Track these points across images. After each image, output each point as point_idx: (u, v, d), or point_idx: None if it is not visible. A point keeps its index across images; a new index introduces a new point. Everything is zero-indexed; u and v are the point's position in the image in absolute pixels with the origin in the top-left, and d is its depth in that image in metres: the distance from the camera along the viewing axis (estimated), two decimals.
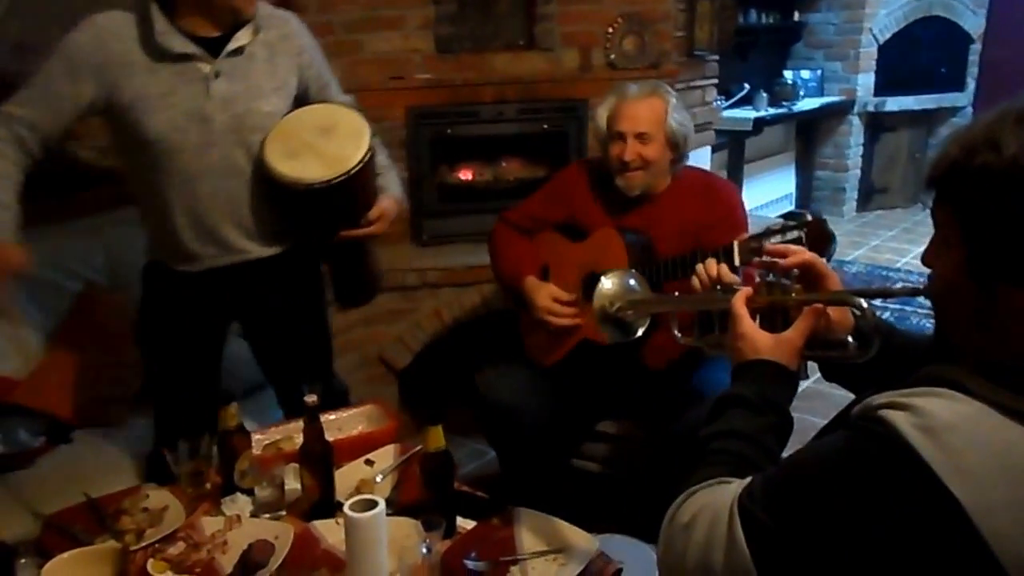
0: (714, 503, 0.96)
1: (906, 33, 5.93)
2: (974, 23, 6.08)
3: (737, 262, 1.84)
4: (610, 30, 3.23)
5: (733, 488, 0.96)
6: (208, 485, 1.85)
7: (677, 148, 2.25)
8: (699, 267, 1.84)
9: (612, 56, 3.25)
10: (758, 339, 1.15)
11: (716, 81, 3.74)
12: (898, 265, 5.12)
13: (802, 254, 1.25)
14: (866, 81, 5.91)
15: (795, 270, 1.23)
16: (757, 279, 1.25)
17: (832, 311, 1.22)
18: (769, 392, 1.10)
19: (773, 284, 1.23)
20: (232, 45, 1.89)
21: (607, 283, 1.71)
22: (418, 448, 1.94)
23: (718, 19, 3.41)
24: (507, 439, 2.37)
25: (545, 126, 3.25)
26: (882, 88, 5.97)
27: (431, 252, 3.25)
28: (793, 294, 1.22)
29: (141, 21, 1.84)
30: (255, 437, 1.94)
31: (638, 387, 2.34)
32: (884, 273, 4.96)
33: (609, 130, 2.28)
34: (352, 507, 1.50)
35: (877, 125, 6.16)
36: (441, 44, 3.18)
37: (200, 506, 1.79)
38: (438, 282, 3.12)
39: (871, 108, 5.97)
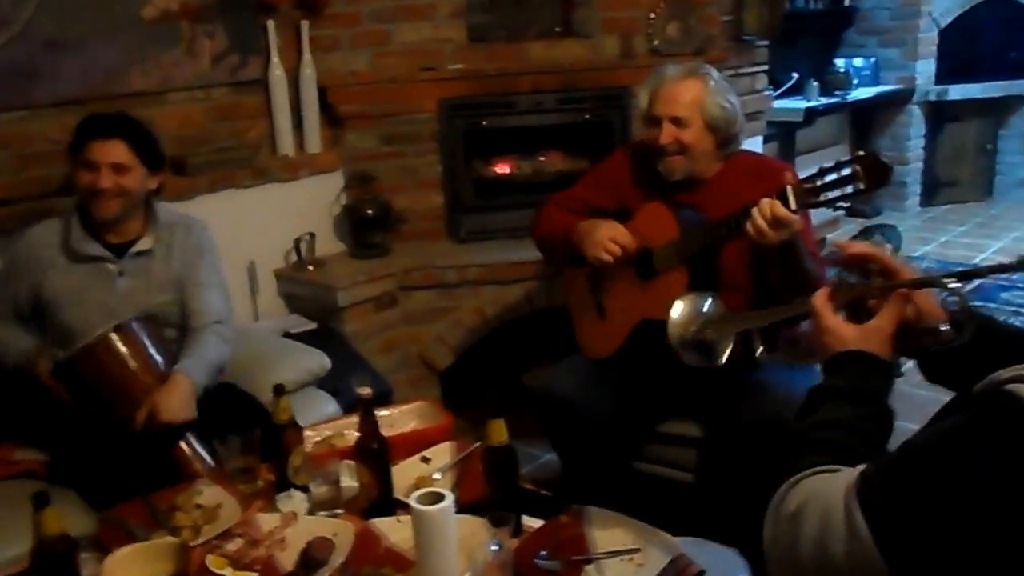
0: (823, 492, 0.96)
1: (969, 17, 5.92)
2: None
3: (793, 205, 1.90)
4: (652, 15, 3.29)
5: (843, 477, 0.97)
6: (260, 482, 1.94)
7: (718, 132, 2.28)
8: (753, 210, 1.92)
9: (655, 42, 3.30)
10: (844, 331, 1.18)
11: (766, 68, 3.81)
12: (974, 261, 5.07)
13: (861, 246, 1.30)
14: (926, 68, 5.93)
15: (872, 264, 1.27)
16: (834, 279, 1.29)
17: (920, 301, 1.23)
18: (861, 382, 1.12)
19: (852, 284, 1.27)
20: (134, 248, 2.34)
21: (678, 309, 1.81)
22: (477, 445, 1.98)
23: (768, 2, 3.49)
24: (569, 436, 2.39)
25: (587, 116, 3.32)
26: (944, 76, 5.96)
27: (470, 248, 3.33)
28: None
29: (64, 228, 2.33)
30: (305, 434, 2.02)
31: (701, 379, 2.32)
32: (959, 270, 4.94)
33: (648, 113, 2.33)
34: (419, 500, 1.53)
35: (940, 115, 6.16)
36: (473, 33, 3.27)
37: (254, 503, 1.87)
38: (479, 279, 3.19)
39: (932, 97, 5.96)
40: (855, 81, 5.66)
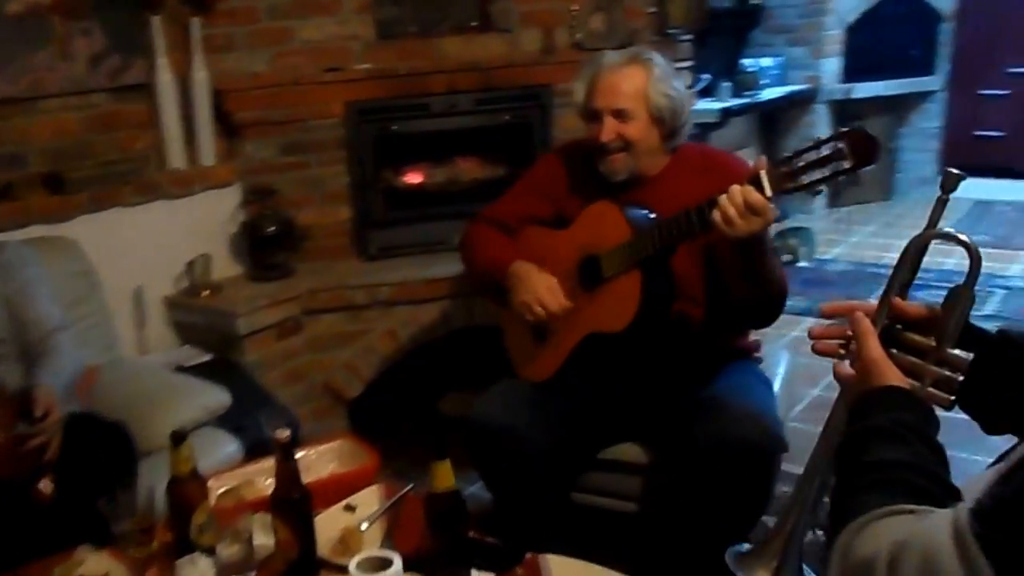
0: (917, 535, 0.89)
1: (874, 14, 6.00)
2: (945, 1, 6.19)
3: (768, 192, 1.73)
4: (575, 7, 3.17)
5: (938, 518, 0.90)
6: (156, 544, 1.74)
7: (664, 124, 2.13)
8: (721, 198, 1.76)
9: (578, 35, 3.19)
10: (887, 365, 1.11)
11: (691, 63, 3.75)
12: (885, 261, 5.13)
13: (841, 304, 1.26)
14: (832, 67, 5.97)
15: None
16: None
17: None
18: (910, 417, 1.04)
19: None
20: None
21: None
22: (409, 488, 1.87)
23: None
24: (505, 469, 2.20)
25: (506, 117, 3.17)
26: (850, 74, 6.02)
27: (381, 266, 3.14)
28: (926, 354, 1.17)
29: None
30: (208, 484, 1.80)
31: (649, 397, 2.23)
32: (872, 271, 5.03)
33: (586, 108, 2.18)
34: (362, 567, 1.39)
35: (845, 113, 6.24)
36: (383, 29, 3.08)
37: (149, 571, 1.68)
38: (391, 299, 3.01)
39: (838, 96, 6.02)
40: (764, 81, 5.67)
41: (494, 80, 3.16)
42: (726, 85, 5.32)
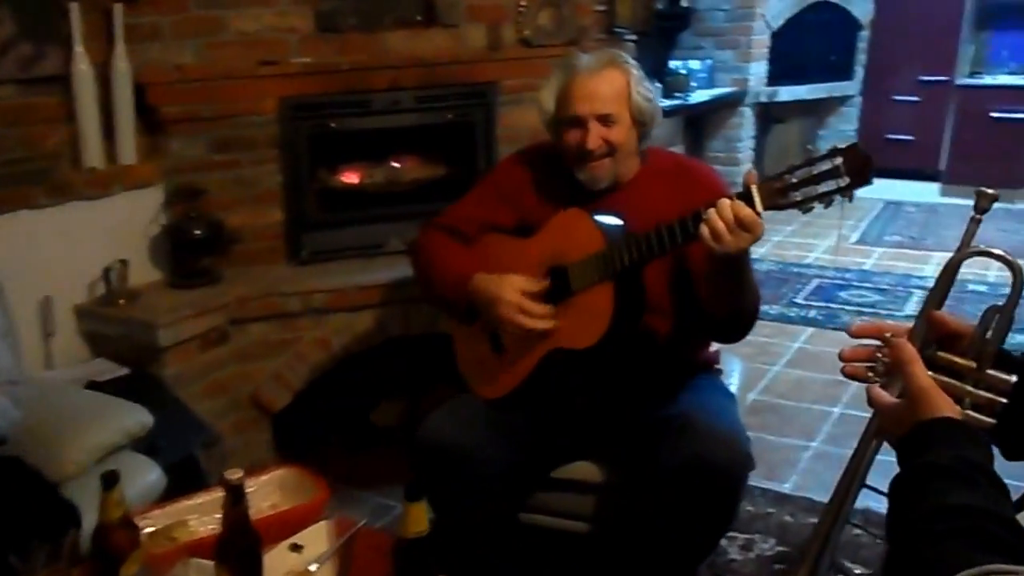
0: None
1: (798, 20, 6.06)
2: (864, 10, 6.31)
3: (759, 207, 1.66)
4: (523, 3, 3.03)
5: None
6: None
7: (643, 127, 2.04)
8: (710, 212, 1.66)
9: (525, 32, 3.05)
10: (937, 395, 1.03)
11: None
12: (807, 261, 5.19)
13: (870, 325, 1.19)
14: (758, 71, 5.97)
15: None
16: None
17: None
18: (973, 457, 0.97)
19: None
20: None
21: None
22: (361, 524, 1.72)
23: None
24: (458, 492, 2.04)
25: (449, 115, 3.01)
26: (774, 78, 6.05)
27: (313, 271, 2.95)
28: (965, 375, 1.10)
29: None
30: None
31: (611, 416, 2.11)
32: (796, 270, 5.02)
33: (560, 114, 2.03)
34: None
35: (768, 116, 6.30)
36: (322, 22, 2.88)
37: None
38: (325, 306, 2.82)
39: (763, 99, 6.06)
40: (693, 84, 5.64)
41: (438, 77, 2.99)
42: (656, 86, 5.24)
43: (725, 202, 1.66)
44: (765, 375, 3.68)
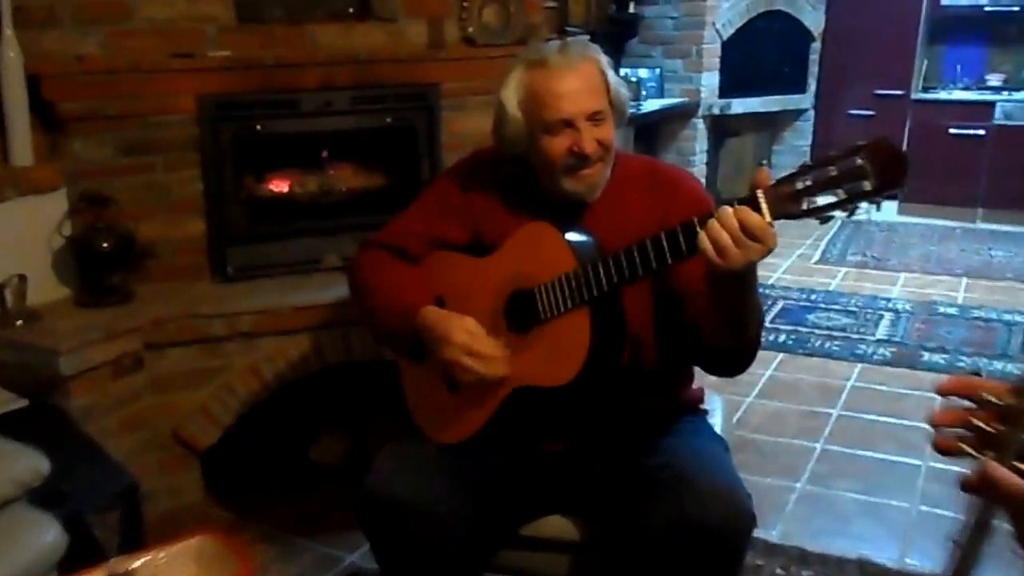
0: None
1: (749, 29, 5.95)
2: (814, 20, 6.24)
3: (768, 216, 1.38)
4: None
5: None
6: None
7: (623, 116, 1.81)
8: (711, 222, 1.40)
9: (470, 29, 2.86)
10: None
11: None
12: (771, 281, 5.03)
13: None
14: (710, 81, 5.85)
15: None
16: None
17: None
18: None
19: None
20: None
21: None
22: None
23: None
24: (409, 551, 1.76)
25: (387, 119, 2.79)
26: (726, 89, 5.93)
27: (240, 290, 2.70)
28: None
29: None
30: None
31: (589, 466, 1.84)
32: (763, 292, 4.90)
33: (537, 119, 1.75)
34: None
35: (722, 129, 6.19)
36: (243, 11, 2.65)
37: None
38: (254, 330, 2.56)
39: (716, 111, 5.96)
40: (644, 93, 5.49)
41: (374, 76, 2.77)
42: None
43: (728, 210, 1.39)
44: (738, 407, 3.47)
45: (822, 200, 1.34)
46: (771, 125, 6.38)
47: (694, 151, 5.95)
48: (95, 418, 2.38)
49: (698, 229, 1.43)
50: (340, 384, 2.80)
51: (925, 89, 6.50)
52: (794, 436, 3.24)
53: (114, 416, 2.45)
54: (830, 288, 4.98)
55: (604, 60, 1.79)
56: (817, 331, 4.29)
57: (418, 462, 1.78)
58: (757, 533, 2.58)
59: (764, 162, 6.40)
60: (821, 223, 1.38)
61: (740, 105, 6.03)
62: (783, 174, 1.40)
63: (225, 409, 2.62)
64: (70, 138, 2.54)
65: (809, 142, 6.53)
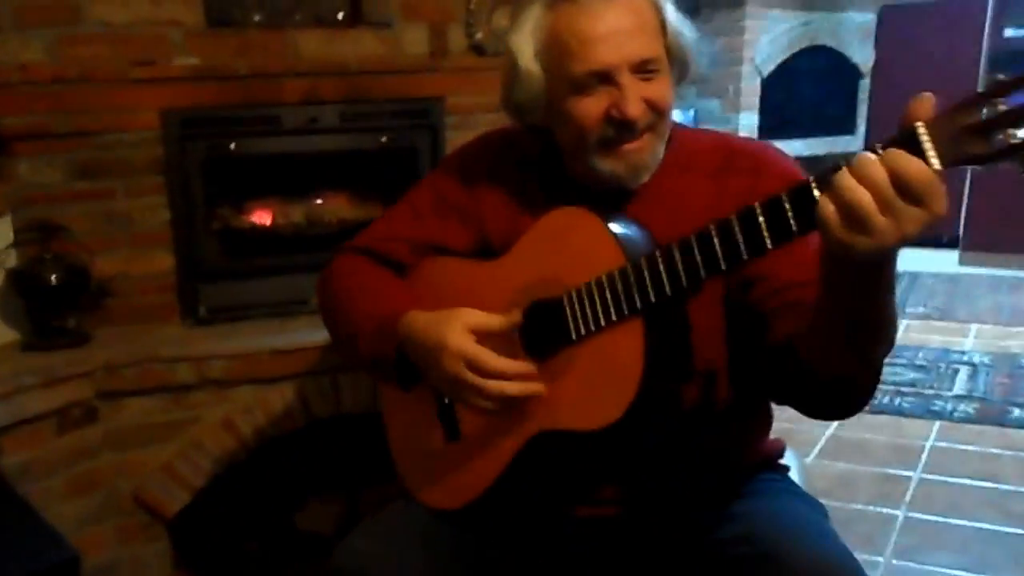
0: None
1: (790, 66, 5.76)
2: (863, 55, 6.02)
3: (937, 163, 0.92)
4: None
5: None
6: None
7: (687, 71, 1.38)
8: (841, 179, 0.92)
9: (478, 36, 2.64)
10: None
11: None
12: None
13: None
14: (749, 122, 5.60)
15: None
16: None
17: None
18: None
19: None
20: None
21: None
22: None
23: None
24: None
25: (383, 139, 2.55)
26: (766, 131, 5.67)
27: (214, 333, 2.46)
28: None
29: None
30: None
31: (634, 533, 1.44)
32: None
33: (558, 71, 1.34)
34: None
35: None
36: (214, 14, 2.43)
37: None
38: (227, 377, 2.32)
39: None
40: None
41: (366, 89, 2.55)
42: None
43: (869, 157, 0.94)
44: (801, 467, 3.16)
45: (1010, 136, 0.90)
46: (818, 170, 6.11)
47: None
48: (36, 478, 2.14)
49: (815, 193, 1.00)
50: (330, 441, 2.55)
51: None
52: (869, 502, 2.91)
53: (61, 476, 2.21)
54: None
55: None
56: (884, 386, 3.92)
57: (403, 534, 1.43)
58: None
59: None
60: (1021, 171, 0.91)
61: (782, 148, 5.78)
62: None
63: (194, 469, 2.36)
64: (15, 159, 2.32)
65: None
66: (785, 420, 3.52)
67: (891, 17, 6.12)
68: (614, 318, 1.24)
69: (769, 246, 1.07)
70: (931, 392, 3.85)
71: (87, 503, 2.25)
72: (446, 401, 1.46)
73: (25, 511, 1.98)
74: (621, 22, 1.29)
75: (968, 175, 5.89)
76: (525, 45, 1.36)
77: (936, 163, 0.92)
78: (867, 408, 3.59)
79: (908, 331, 4.79)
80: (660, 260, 1.19)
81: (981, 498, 2.90)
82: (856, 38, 5.98)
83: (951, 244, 6.23)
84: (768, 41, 5.53)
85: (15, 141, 2.30)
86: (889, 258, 0.99)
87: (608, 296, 1.24)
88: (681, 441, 1.38)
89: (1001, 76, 0.92)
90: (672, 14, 1.34)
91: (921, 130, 0.93)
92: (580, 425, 1.27)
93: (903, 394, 3.83)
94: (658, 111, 1.32)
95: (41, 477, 2.15)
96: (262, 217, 2.62)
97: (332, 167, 2.66)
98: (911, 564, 2.53)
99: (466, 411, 1.42)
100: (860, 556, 2.50)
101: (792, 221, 1.04)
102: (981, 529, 2.71)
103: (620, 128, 1.31)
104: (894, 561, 2.55)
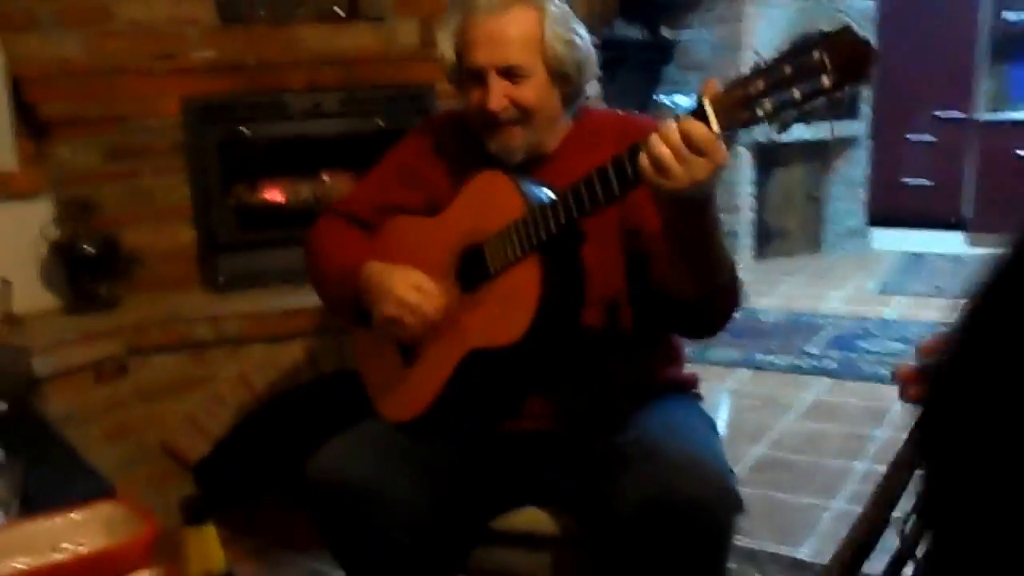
0: None
1: None
2: (868, 37, 6.22)
3: (716, 127, 1.30)
4: None
5: None
6: None
7: (568, 81, 1.69)
8: (651, 137, 1.31)
9: None
10: None
11: (599, 73, 3.47)
12: (819, 311, 4.92)
13: None
14: None
15: None
16: None
17: None
18: None
19: None
20: None
21: None
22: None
23: None
24: (361, 542, 1.68)
25: (379, 122, 2.79)
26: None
27: (230, 298, 2.70)
28: None
29: None
30: None
31: (557, 446, 1.75)
32: (808, 320, 4.77)
33: (461, 67, 1.73)
34: None
35: (769, 159, 6.12)
36: (226, 11, 2.72)
37: None
38: (242, 336, 2.56)
39: (761, 139, 5.92)
40: None
41: (364, 77, 2.80)
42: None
43: (669, 122, 1.31)
44: (773, 427, 3.37)
45: (776, 100, 1.27)
46: (822, 154, 6.26)
47: (738, 182, 5.85)
48: (76, 425, 2.38)
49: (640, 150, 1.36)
50: (335, 394, 2.68)
51: (991, 111, 6.34)
52: (834, 457, 3.12)
53: (97, 424, 2.46)
54: (887, 317, 4.84)
55: (549, 7, 1.69)
56: (868, 356, 4.15)
57: (370, 443, 1.73)
58: (782, 549, 2.52)
59: (815, 194, 6.30)
60: (779, 131, 1.30)
61: (786, 133, 5.94)
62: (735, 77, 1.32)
63: (215, 420, 2.61)
64: (55, 143, 2.62)
65: (865, 172, 6.39)
66: (769, 387, 3.84)
67: (890, 2, 6.19)
68: (520, 254, 1.58)
69: (617, 191, 1.45)
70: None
71: (121, 450, 2.51)
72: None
73: (68, 450, 2.22)
74: (500, 33, 1.66)
75: (976, 160, 6.07)
76: (447, 40, 1.76)
77: (716, 127, 1.30)
78: (849, 377, 3.84)
79: (905, 308, 4.96)
80: (548, 207, 1.54)
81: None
82: (857, 23, 6.11)
83: (959, 226, 6.37)
84: (768, 27, 5.70)
85: (55, 126, 2.60)
86: (697, 200, 1.36)
87: (513, 238, 1.59)
88: (589, 361, 1.71)
89: (759, 57, 1.28)
90: (553, 31, 1.67)
91: (707, 103, 1.30)
92: (496, 342, 1.61)
93: (884, 363, 4.01)
94: (522, 109, 1.67)
95: (81, 424, 2.40)
96: (273, 194, 2.89)
97: (335, 148, 2.91)
98: (858, 508, 2.74)
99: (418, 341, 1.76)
100: (811, 501, 2.78)
101: (628, 171, 1.41)
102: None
103: (485, 117, 1.69)
104: (845, 506, 2.75)
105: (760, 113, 1.28)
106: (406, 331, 1.70)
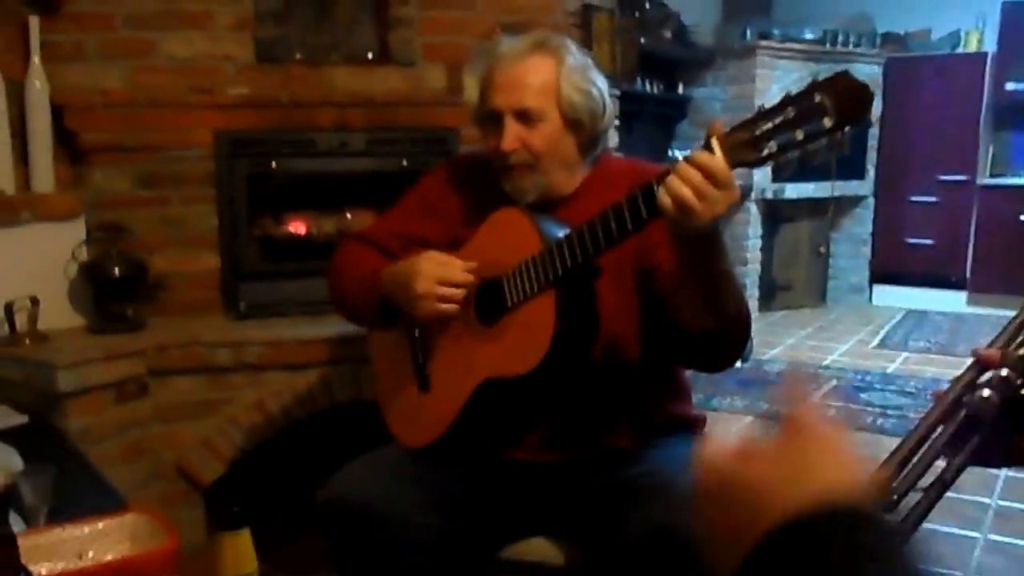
0: None
1: None
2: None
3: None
4: (486, 41, 2.84)
5: None
6: None
7: (582, 129, 1.71)
8: (670, 178, 1.32)
9: None
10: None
11: (616, 122, 3.50)
12: (826, 362, 4.92)
13: None
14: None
15: None
16: None
17: None
18: None
19: None
20: None
21: None
22: None
23: (619, 39, 3.15)
24: (374, 566, 1.70)
25: (404, 162, 2.82)
26: (778, 172, 5.90)
27: (250, 325, 2.72)
28: None
29: None
30: None
31: (567, 478, 1.75)
32: (812, 370, 4.79)
33: (483, 109, 1.76)
34: None
35: (776, 215, 6.15)
36: (263, 51, 2.76)
37: None
38: (261, 362, 2.57)
39: (769, 195, 5.95)
40: None
41: (391, 118, 2.84)
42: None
43: (683, 163, 1.32)
44: None
45: (780, 141, 1.29)
46: (828, 211, 6.30)
47: (747, 236, 5.89)
48: (94, 441, 2.40)
49: (656, 189, 1.36)
50: (349, 424, 2.69)
51: (992, 175, 6.37)
52: None
53: (115, 442, 2.47)
54: (888, 371, 4.83)
55: (567, 58, 1.72)
56: (870, 409, 4.14)
57: (386, 467, 1.75)
58: None
59: (822, 249, 6.32)
60: (781, 168, 1.35)
61: (794, 190, 5.99)
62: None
63: (229, 443, 2.61)
64: (91, 168, 2.66)
65: (869, 229, 6.42)
66: None
67: (896, 70, 6.27)
68: (536, 289, 1.60)
69: (630, 228, 1.46)
70: (915, 416, 4.01)
71: (137, 469, 2.51)
72: (420, 361, 1.81)
73: (84, 465, 2.22)
74: (519, 78, 1.69)
75: (974, 219, 6.08)
76: (473, 84, 1.79)
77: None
78: (851, 426, 3.84)
79: (906, 363, 4.96)
80: (564, 243, 1.55)
81: (941, 505, 3.08)
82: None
83: (959, 285, 6.38)
84: (778, 88, 5.75)
85: (92, 153, 2.64)
86: (712, 234, 1.38)
87: (530, 273, 1.61)
88: (595, 393, 1.71)
89: (762, 105, 1.29)
90: (569, 80, 1.70)
91: (715, 143, 1.32)
92: (510, 372, 1.62)
93: (887, 416, 4.02)
94: (533, 153, 1.70)
95: (98, 441, 2.41)
96: (297, 227, 2.91)
97: (359, 186, 2.93)
98: None
99: (435, 366, 1.78)
100: None
101: (643, 209, 1.42)
102: (935, 531, 2.88)
103: (500, 158, 1.71)
104: None
105: (765, 153, 1.30)
106: (438, 306, 1.69)
